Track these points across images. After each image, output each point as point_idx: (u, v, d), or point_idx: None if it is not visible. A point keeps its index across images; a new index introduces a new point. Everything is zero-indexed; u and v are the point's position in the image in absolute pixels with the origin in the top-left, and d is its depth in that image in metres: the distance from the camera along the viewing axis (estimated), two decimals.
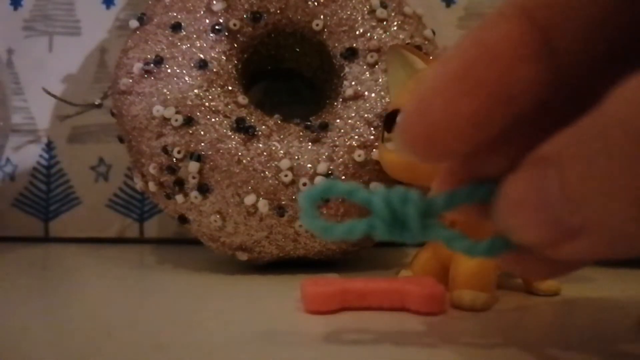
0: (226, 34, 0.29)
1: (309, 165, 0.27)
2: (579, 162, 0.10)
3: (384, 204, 0.13)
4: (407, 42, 0.29)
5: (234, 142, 0.27)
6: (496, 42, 0.11)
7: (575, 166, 0.10)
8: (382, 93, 0.28)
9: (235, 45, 0.29)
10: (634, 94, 0.09)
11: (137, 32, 0.29)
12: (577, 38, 0.11)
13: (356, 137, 0.28)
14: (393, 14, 0.30)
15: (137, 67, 0.28)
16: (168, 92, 0.27)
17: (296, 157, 0.27)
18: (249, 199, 0.26)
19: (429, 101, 0.12)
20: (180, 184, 0.27)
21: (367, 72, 0.29)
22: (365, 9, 0.29)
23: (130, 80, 0.28)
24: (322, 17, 0.30)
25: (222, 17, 0.29)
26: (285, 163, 0.27)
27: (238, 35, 0.29)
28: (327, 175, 0.27)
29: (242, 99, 0.28)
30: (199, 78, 0.28)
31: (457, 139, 0.12)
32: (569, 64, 0.12)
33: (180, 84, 0.28)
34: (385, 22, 0.29)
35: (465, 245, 0.13)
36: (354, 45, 0.29)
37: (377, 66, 0.29)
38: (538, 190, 0.11)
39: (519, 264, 0.13)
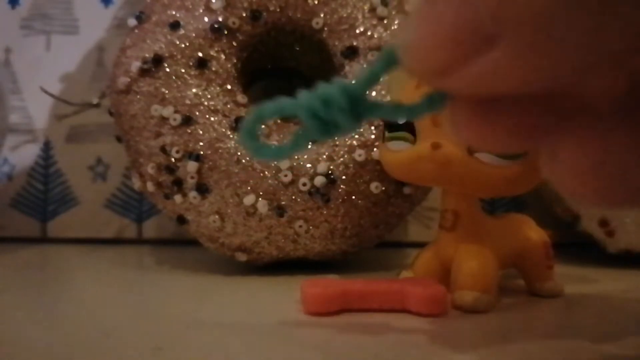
0: (225, 32, 0.28)
1: (309, 165, 0.27)
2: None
3: (310, 114, 0.13)
4: None
5: (233, 142, 0.27)
6: None
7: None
8: (383, 92, 0.28)
9: (235, 44, 0.29)
10: None
11: (136, 30, 0.29)
12: None
13: (357, 136, 0.27)
14: (394, 12, 0.29)
15: (136, 66, 0.28)
16: (166, 91, 0.27)
17: (296, 157, 0.27)
18: (248, 199, 0.26)
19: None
20: (178, 184, 0.27)
21: None
22: (365, 7, 0.29)
23: (129, 79, 0.28)
24: (322, 15, 0.29)
25: (222, 16, 0.28)
26: (284, 163, 0.26)
27: (237, 34, 0.29)
28: (327, 175, 0.27)
29: (241, 98, 0.28)
30: (197, 77, 0.27)
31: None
32: None
33: (179, 82, 0.27)
34: (385, 21, 0.29)
35: (406, 111, 0.13)
36: (355, 43, 0.29)
37: None
38: (462, 4, 0.10)
39: (455, 116, 0.12)
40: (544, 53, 0.10)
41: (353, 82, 0.13)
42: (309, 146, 0.13)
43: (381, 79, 0.13)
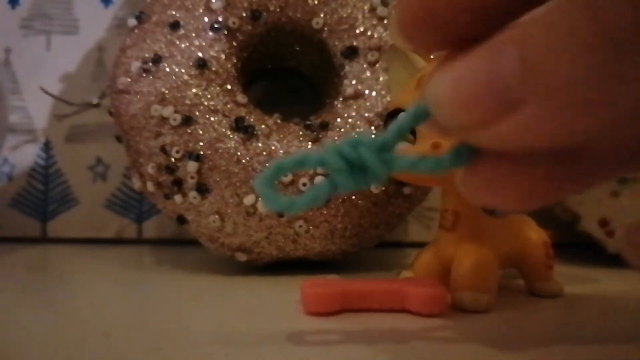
0: (225, 32, 0.28)
1: None
2: (539, 33, 0.10)
3: (337, 157, 0.13)
4: None
5: (233, 142, 0.27)
6: None
7: (538, 42, 0.10)
8: (383, 92, 0.28)
9: (235, 44, 0.29)
10: None
11: (136, 30, 0.29)
12: None
13: None
14: (394, 12, 0.29)
15: (135, 65, 0.28)
16: (166, 91, 0.27)
17: None
18: (248, 199, 0.26)
19: None
20: (178, 184, 0.27)
21: (367, 71, 0.29)
22: (365, 7, 0.29)
23: (129, 79, 0.28)
24: (322, 15, 0.29)
25: (222, 16, 0.28)
26: None
27: (237, 34, 0.29)
28: (327, 175, 0.26)
29: (241, 98, 0.28)
30: (197, 77, 0.27)
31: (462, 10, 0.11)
32: None
33: (179, 82, 0.27)
34: (386, 21, 0.29)
35: (431, 163, 0.13)
36: (355, 43, 0.29)
37: (377, 65, 0.29)
38: (490, 65, 0.10)
39: (481, 174, 0.12)
40: (572, 114, 0.10)
41: (381, 135, 0.13)
42: (325, 201, 0.13)
43: (409, 129, 0.13)
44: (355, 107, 0.28)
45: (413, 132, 0.23)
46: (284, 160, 0.13)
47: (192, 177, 0.26)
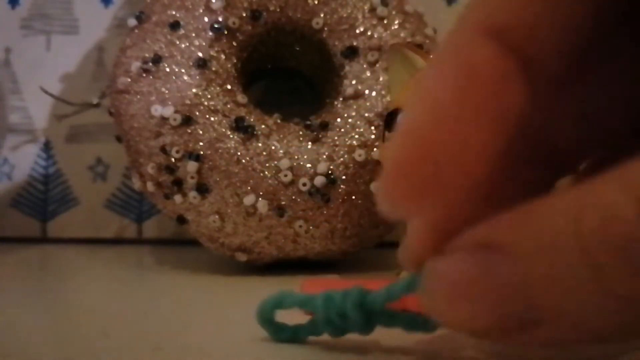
0: (225, 32, 0.28)
1: (309, 165, 0.27)
2: (543, 260, 0.09)
3: (326, 320, 0.15)
4: (408, 40, 0.29)
5: (233, 142, 0.27)
6: (481, 66, 0.10)
7: (538, 263, 0.10)
8: (383, 92, 0.28)
9: (235, 44, 0.29)
10: (607, 207, 0.09)
11: (136, 30, 0.29)
12: (547, 47, 0.10)
13: (357, 136, 0.27)
14: (394, 12, 0.29)
15: (136, 66, 0.28)
16: (166, 91, 0.27)
17: (296, 157, 0.27)
18: (248, 199, 0.26)
19: (426, 136, 0.10)
20: (178, 184, 0.27)
21: (367, 71, 0.29)
22: (365, 7, 0.29)
23: (129, 79, 0.28)
24: (322, 15, 0.29)
25: (222, 16, 0.28)
26: (285, 163, 0.26)
27: (237, 34, 0.29)
28: (327, 175, 0.26)
29: (241, 98, 0.28)
30: (197, 77, 0.27)
31: (466, 174, 0.10)
32: (544, 70, 0.11)
33: (179, 83, 0.27)
34: (385, 21, 0.29)
35: (421, 323, 0.14)
36: (355, 43, 0.29)
37: (377, 65, 0.29)
38: (484, 277, 0.10)
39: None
40: (585, 329, 0.10)
41: (372, 295, 0.14)
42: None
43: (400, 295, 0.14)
44: (355, 107, 0.28)
45: None
46: (283, 297, 0.16)
47: (192, 177, 0.26)
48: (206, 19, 0.28)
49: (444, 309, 0.11)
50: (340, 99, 0.29)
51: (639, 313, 0.09)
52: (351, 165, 0.27)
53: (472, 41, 0.10)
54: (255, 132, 0.27)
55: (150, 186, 0.28)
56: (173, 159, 0.27)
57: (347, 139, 0.27)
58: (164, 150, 0.27)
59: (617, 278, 0.09)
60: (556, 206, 0.10)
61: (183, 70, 0.28)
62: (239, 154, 0.26)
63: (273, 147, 0.27)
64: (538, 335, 0.10)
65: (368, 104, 0.28)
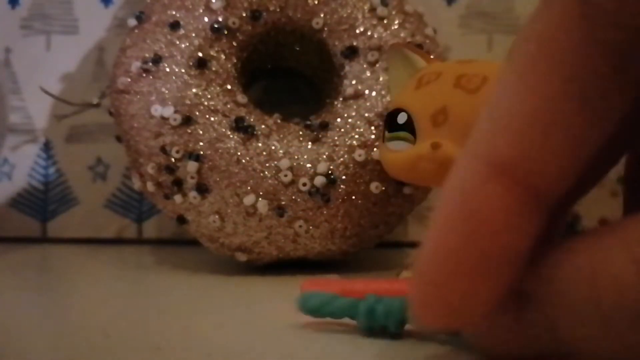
0: (225, 32, 0.28)
1: (309, 165, 0.27)
2: (566, 313, 0.10)
3: (367, 323, 0.17)
4: (408, 40, 0.29)
5: (233, 142, 0.27)
6: (486, 208, 0.10)
7: (562, 315, 0.10)
8: (383, 92, 0.28)
9: (235, 44, 0.29)
10: (625, 275, 0.10)
11: (136, 30, 0.29)
12: (553, 176, 0.11)
13: (357, 136, 0.27)
14: (394, 12, 0.29)
15: (136, 66, 0.28)
16: (166, 91, 0.27)
17: (296, 157, 0.27)
18: (248, 199, 0.26)
19: (438, 283, 0.11)
20: (178, 184, 0.27)
21: (367, 71, 0.29)
22: (365, 7, 0.29)
23: (129, 79, 0.28)
24: (322, 15, 0.29)
25: (222, 16, 0.28)
26: (285, 163, 0.26)
27: (237, 34, 0.29)
28: (327, 175, 0.26)
29: (241, 98, 0.28)
30: (197, 77, 0.27)
31: (477, 318, 0.11)
32: (551, 194, 0.11)
33: (179, 83, 0.27)
34: (385, 21, 0.29)
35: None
36: (355, 43, 0.29)
37: (377, 65, 0.29)
38: (520, 323, 0.11)
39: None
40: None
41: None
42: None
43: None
44: (355, 107, 0.28)
45: (413, 132, 0.23)
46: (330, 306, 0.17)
47: (192, 177, 0.26)
48: (206, 19, 0.28)
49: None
50: (340, 99, 0.29)
51: None
52: (351, 165, 0.27)
53: (476, 178, 0.10)
54: (255, 132, 0.27)
55: (150, 186, 0.28)
56: (173, 159, 0.27)
57: (347, 139, 0.27)
58: (164, 150, 0.27)
59: (632, 336, 0.10)
60: (576, 264, 0.10)
61: (183, 70, 0.28)
62: (239, 154, 0.26)
63: (273, 147, 0.27)
64: None
65: (368, 104, 0.28)
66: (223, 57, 0.28)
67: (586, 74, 0.10)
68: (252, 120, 0.27)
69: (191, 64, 0.28)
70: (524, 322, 0.11)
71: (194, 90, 0.27)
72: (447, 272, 0.10)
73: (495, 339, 0.12)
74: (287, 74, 0.34)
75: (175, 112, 0.27)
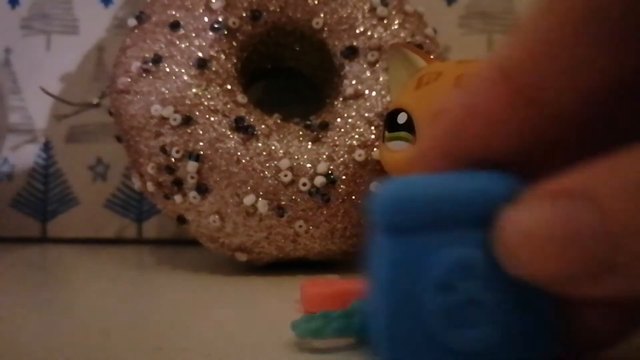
0: (225, 32, 0.28)
1: (309, 165, 0.27)
2: (628, 207, 0.10)
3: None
4: (408, 40, 0.29)
5: (233, 142, 0.27)
6: (489, 101, 0.12)
7: (620, 204, 0.10)
8: (383, 92, 0.28)
9: (235, 44, 0.29)
10: None
11: (136, 30, 0.29)
12: (557, 92, 0.12)
13: (357, 136, 0.27)
14: (394, 12, 0.29)
15: (136, 66, 0.28)
16: (166, 91, 0.27)
17: (296, 157, 0.27)
18: (248, 199, 0.26)
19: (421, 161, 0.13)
20: (178, 184, 0.27)
21: (367, 71, 0.29)
22: (365, 7, 0.29)
23: (129, 79, 0.28)
24: (322, 15, 0.29)
25: (222, 16, 0.28)
26: (285, 163, 0.26)
27: (237, 34, 0.29)
28: (327, 175, 0.26)
29: (241, 98, 0.28)
30: (197, 77, 0.27)
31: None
32: (552, 112, 0.12)
33: (179, 82, 0.27)
34: (385, 21, 0.29)
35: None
36: (355, 43, 0.29)
37: (377, 65, 0.29)
38: (568, 226, 0.10)
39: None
40: None
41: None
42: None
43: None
44: (355, 107, 0.28)
45: (413, 132, 0.23)
46: (325, 330, 0.16)
47: (192, 177, 0.26)
48: (206, 19, 0.28)
49: (519, 257, 0.11)
50: (340, 99, 0.29)
51: None
52: (351, 165, 0.27)
53: (487, 79, 0.12)
54: (255, 132, 0.27)
55: (150, 186, 0.28)
56: (173, 159, 0.27)
57: (347, 139, 0.27)
58: (164, 150, 0.27)
59: None
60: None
61: (183, 70, 0.28)
62: (239, 154, 0.26)
63: (273, 147, 0.27)
64: (609, 285, 0.10)
65: (368, 104, 0.28)
66: (223, 57, 0.28)
67: (602, 12, 0.11)
68: (252, 120, 0.27)
69: (191, 64, 0.28)
70: (574, 224, 0.10)
71: (194, 90, 0.27)
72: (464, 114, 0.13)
73: (536, 246, 0.11)
74: (287, 74, 0.34)
75: (175, 112, 0.27)
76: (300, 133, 0.28)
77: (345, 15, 0.29)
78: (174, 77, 0.27)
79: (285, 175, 0.26)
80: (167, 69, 0.28)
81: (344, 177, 0.27)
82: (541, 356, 0.12)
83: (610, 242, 0.10)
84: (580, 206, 0.10)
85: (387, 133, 0.24)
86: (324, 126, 0.28)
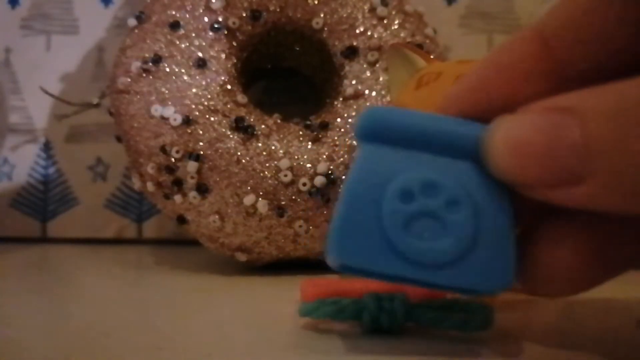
0: (225, 32, 0.28)
1: (309, 165, 0.27)
2: (609, 123, 0.11)
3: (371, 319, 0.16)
4: (408, 40, 0.29)
5: (233, 142, 0.27)
6: (510, 63, 0.13)
7: (602, 122, 0.11)
8: (383, 92, 0.28)
9: (235, 44, 0.29)
10: None
11: (136, 30, 0.29)
12: (586, 57, 0.13)
13: None
14: (394, 12, 0.29)
15: (136, 66, 0.28)
16: (166, 91, 0.27)
17: (296, 157, 0.27)
18: (248, 199, 0.26)
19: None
20: (178, 184, 0.27)
21: (367, 71, 0.29)
22: (365, 7, 0.29)
23: (129, 79, 0.28)
24: (322, 15, 0.29)
25: (221, 16, 0.28)
26: (284, 163, 0.26)
27: (237, 34, 0.29)
28: (327, 175, 0.26)
29: (241, 98, 0.28)
30: (197, 77, 0.27)
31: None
32: (578, 76, 0.13)
33: (179, 82, 0.27)
34: (385, 21, 0.29)
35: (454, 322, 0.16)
36: (354, 43, 0.29)
37: (377, 65, 0.29)
38: (550, 135, 0.12)
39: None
40: (623, 193, 0.11)
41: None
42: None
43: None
44: (355, 107, 0.28)
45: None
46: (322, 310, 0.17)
47: (192, 177, 0.26)
48: (206, 19, 0.28)
49: (504, 159, 0.12)
50: (340, 99, 0.29)
51: None
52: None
53: (521, 37, 0.14)
54: (255, 132, 0.27)
55: (150, 186, 0.28)
56: (173, 159, 0.27)
57: (347, 139, 0.27)
58: (164, 150, 0.27)
59: None
60: (632, 83, 0.11)
61: (183, 70, 0.28)
62: (239, 154, 0.26)
63: (273, 147, 0.27)
64: (579, 192, 0.11)
65: (368, 103, 0.28)
66: (223, 57, 0.28)
67: None
68: (252, 120, 0.27)
69: (191, 64, 0.28)
70: (557, 134, 0.11)
71: (194, 90, 0.27)
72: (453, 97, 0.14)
73: (521, 153, 0.12)
74: (287, 74, 0.34)
75: (175, 112, 0.27)
76: (300, 133, 0.28)
77: (345, 15, 0.29)
78: (174, 77, 0.27)
79: (285, 175, 0.26)
80: (167, 69, 0.28)
81: (344, 177, 0.27)
82: (491, 287, 0.13)
83: (585, 155, 0.11)
84: (566, 120, 0.11)
85: None
86: (324, 126, 0.28)
